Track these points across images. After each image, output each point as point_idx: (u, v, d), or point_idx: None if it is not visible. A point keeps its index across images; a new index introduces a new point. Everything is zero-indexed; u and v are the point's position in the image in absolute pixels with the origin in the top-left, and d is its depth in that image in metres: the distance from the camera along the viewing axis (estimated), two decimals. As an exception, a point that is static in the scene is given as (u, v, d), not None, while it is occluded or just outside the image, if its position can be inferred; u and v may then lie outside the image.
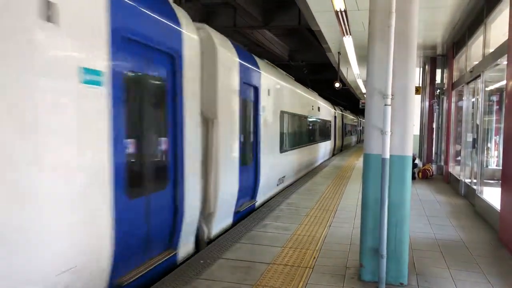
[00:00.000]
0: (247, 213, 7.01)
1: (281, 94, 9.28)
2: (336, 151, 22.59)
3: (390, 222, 3.96)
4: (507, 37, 5.67)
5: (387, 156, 3.91)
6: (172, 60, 4.33)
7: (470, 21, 8.82)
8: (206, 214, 5.41)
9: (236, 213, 6.46)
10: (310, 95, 13.83)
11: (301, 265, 4.49)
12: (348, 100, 35.10)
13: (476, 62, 8.17)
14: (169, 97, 4.35)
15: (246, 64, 6.74)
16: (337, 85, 15.74)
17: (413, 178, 11.30)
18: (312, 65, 22.29)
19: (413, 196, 8.18)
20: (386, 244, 3.93)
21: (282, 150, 9.44)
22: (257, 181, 7.46)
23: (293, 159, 10.89)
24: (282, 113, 9.42)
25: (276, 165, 8.93)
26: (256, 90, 7.36)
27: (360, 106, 25.05)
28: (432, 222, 6.56)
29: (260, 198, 7.76)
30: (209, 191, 5.39)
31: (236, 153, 6.20)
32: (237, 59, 6.23)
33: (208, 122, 5.36)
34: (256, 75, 7.32)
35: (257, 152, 7.46)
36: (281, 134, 9.36)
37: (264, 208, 7.26)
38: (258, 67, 7.49)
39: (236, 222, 6.47)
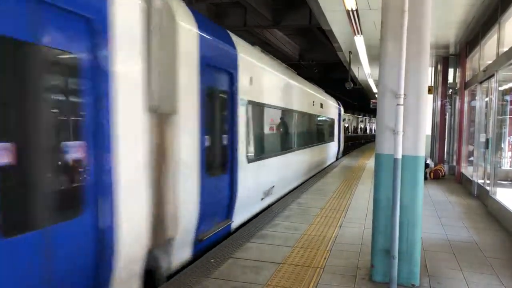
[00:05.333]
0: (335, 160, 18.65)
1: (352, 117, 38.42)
2: (369, 141, 40.91)
3: (402, 222, 3.93)
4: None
5: (399, 156, 3.88)
6: (339, 111, 20.87)
7: (484, 20, 8.71)
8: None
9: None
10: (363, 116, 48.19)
11: (312, 265, 4.48)
12: (355, 98, 35.07)
13: (490, 62, 8.06)
14: (338, 123, 20.33)
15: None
16: (348, 85, 15.68)
17: (425, 178, 11.19)
18: (323, 65, 22.21)
19: (425, 197, 8.11)
20: (398, 245, 3.90)
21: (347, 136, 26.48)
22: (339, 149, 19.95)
23: (355, 139, 34.21)
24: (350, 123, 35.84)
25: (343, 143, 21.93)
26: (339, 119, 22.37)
27: (371, 106, 24.84)
28: (444, 223, 6.50)
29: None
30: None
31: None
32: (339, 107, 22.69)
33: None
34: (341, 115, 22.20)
35: (339, 136, 18.88)
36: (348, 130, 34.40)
37: (275, 208, 7.26)
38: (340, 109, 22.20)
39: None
